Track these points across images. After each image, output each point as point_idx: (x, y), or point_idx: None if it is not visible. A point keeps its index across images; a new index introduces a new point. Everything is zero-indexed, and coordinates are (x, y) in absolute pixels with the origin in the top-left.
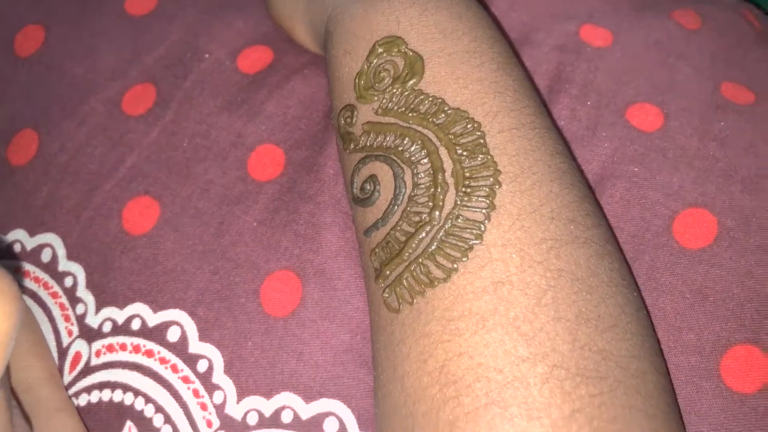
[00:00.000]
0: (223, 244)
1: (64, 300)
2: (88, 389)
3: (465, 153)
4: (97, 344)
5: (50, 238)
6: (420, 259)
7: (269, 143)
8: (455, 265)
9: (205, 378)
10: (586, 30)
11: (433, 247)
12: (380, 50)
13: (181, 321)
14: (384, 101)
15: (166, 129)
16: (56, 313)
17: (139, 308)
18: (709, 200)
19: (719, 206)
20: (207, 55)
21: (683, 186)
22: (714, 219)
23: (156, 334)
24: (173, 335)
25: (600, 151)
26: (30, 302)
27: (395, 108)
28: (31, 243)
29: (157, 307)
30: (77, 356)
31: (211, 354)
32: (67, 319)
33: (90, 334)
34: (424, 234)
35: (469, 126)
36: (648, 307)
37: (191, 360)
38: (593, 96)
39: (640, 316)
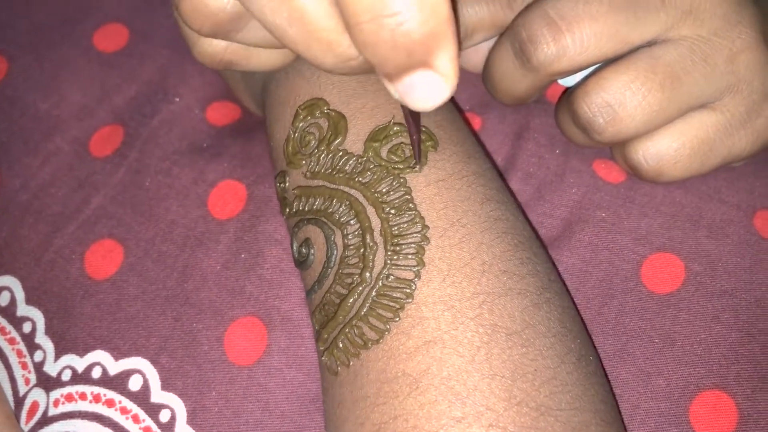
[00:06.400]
0: (186, 289)
1: (21, 346)
2: None
3: (393, 210)
4: (56, 393)
5: (8, 281)
6: (354, 321)
7: (231, 179)
8: (387, 326)
9: (168, 428)
10: (554, 86)
11: (366, 309)
12: (303, 114)
13: (143, 369)
14: (311, 164)
15: (130, 168)
16: (13, 360)
17: (100, 356)
18: (677, 245)
19: (686, 251)
20: (177, 99)
21: (651, 231)
22: (681, 264)
23: (117, 382)
24: (135, 384)
25: (568, 196)
26: None
27: (322, 170)
28: None
29: (118, 354)
30: (34, 406)
31: (173, 403)
32: (24, 366)
33: (48, 383)
34: (356, 296)
35: (395, 182)
36: (617, 352)
37: (153, 410)
38: (561, 145)
39: (581, 365)
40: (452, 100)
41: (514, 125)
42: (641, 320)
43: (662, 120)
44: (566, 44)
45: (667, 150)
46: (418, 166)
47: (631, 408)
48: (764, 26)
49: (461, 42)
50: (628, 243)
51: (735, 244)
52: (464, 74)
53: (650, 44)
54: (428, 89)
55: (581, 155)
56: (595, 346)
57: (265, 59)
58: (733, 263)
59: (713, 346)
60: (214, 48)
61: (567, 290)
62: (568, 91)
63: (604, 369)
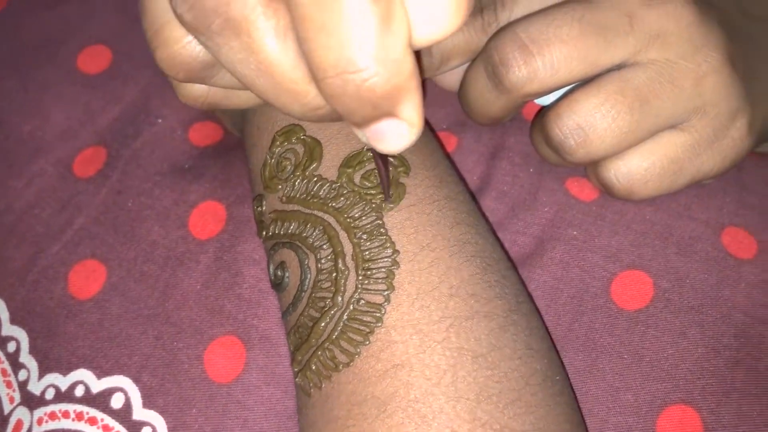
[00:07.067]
0: (167, 308)
1: (6, 366)
2: None
3: (365, 236)
4: (39, 412)
5: None
6: (326, 344)
7: (211, 200)
8: (358, 350)
9: None
10: (530, 105)
11: (337, 332)
12: (280, 140)
13: (125, 387)
14: (287, 189)
15: (113, 188)
16: None
17: (83, 374)
18: (646, 262)
19: (655, 268)
20: (159, 120)
21: (621, 248)
22: (650, 281)
23: (100, 400)
24: (117, 402)
25: (541, 215)
26: None
27: (297, 195)
28: None
29: (101, 373)
30: (18, 424)
31: (155, 421)
32: (8, 385)
33: (32, 402)
34: (328, 319)
35: (367, 208)
36: (587, 368)
37: (135, 427)
38: (534, 163)
39: (546, 386)
40: (427, 122)
41: (490, 144)
42: (611, 336)
43: (632, 141)
44: (537, 67)
45: (637, 169)
46: (391, 202)
47: (599, 423)
48: (729, 50)
49: (438, 68)
50: (599, 260)
51: (703, 261)
52: (441, 94)
53: (620, 67)
54: (394, 136)
55: (555, 173)
56: (563, 365)
57: (245, 99)
58: (701, 280)
59: (680, 361)
60: (196, 91)
61: (536, 310)
62: (542, 111)
63: (572, 387)
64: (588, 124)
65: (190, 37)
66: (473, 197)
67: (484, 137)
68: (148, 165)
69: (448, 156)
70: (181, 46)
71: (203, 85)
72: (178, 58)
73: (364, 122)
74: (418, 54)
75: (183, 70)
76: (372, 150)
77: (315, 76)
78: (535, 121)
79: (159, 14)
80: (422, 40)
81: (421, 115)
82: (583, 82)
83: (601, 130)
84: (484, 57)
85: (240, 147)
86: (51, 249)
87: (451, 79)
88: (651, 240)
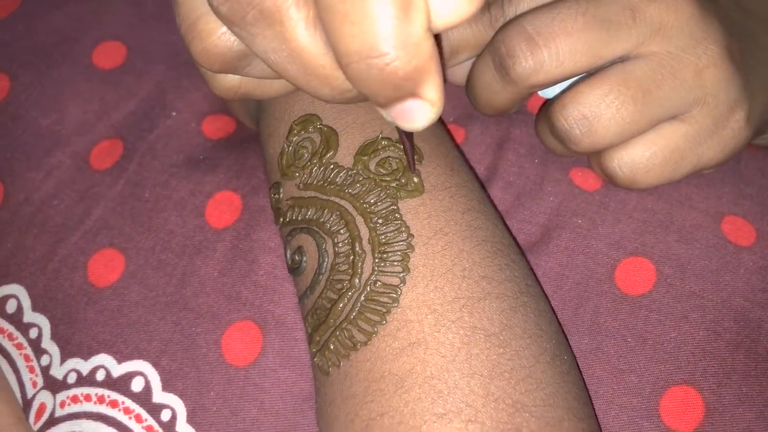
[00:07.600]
0: (185, 295)
1: (29, 351)
2: None
3: (380, 220)
4: (62, 395)
5: (15, 289)
6: (344, 325)
7: (227, 190)
8: (375, 329)
9: (169, 427)
10: (534, 98)
11: (355, 313)
12: (297, 129)
13: (145, 371)
14: (304, 177)
15: (130, 180)
16: (21, 364)
17: (103, 359)
18: (648, 249)
19: (657, 255)
20: (174, 113)
21: (624, 236)
22: (653, 267)
23: (120, 384)
24: (137, 385)
25: (546, 204)
26: None
27: (314, 182)
28: None
29: (121, 357)
30: (42, 407)
31: (174, 403)
32: (31, 370)
33: (54, 386)
34: (346, 300)
35: (382, 194)
36: (593, 350)
37: (155, 409)
38: (540, 154)
39: (555, 364)
40: None
41: (496, 136)
42: (615, 320)
43: (635, 131)
44: (543, 58)
45: (640, 159)
46: (415, 182)
47: (605, 403)
48: (729, 43)
49: (447, 62)
50: (603, 248)
51: (704, 248)
52: (449, 87)
53: (623, 59)
54: (417, 114)
55: (559, 164)
56: (570, 346)
57: (277, 87)
58: (702, 266)
59: (682, 344)
60: (229, 82)
61: (544, 294)
62: (547, 104)
63: (579, 367)
64: (593, 114)
65: (224, 29)
66: (482, 185)
67: (491, 129)
68: (163, 157)
69: (457, 146)
70: (216, 37)
71: (236, 76)
72: (214, 49)
73: (387, 103)
74: (437, 37)
75: (218, 61)
76: (397, 127)
77: (341, 62)
78: (540, 113)
79: (193, 8)
80: (441, 23)
81: (441, 94)
82: (587, 75)
83: (606, 120)
84: (492, 49)
85: (252, 139)
86: (70, 239)
87: (458, 73)
88: (653, 228)
